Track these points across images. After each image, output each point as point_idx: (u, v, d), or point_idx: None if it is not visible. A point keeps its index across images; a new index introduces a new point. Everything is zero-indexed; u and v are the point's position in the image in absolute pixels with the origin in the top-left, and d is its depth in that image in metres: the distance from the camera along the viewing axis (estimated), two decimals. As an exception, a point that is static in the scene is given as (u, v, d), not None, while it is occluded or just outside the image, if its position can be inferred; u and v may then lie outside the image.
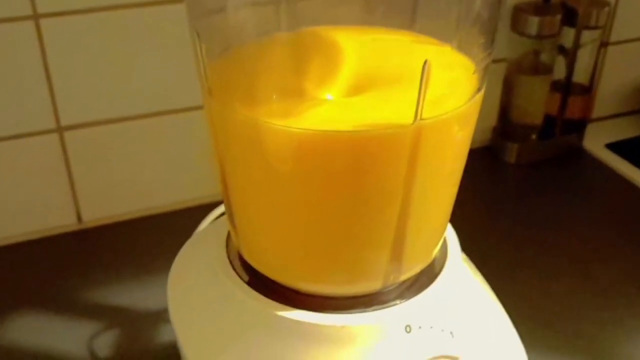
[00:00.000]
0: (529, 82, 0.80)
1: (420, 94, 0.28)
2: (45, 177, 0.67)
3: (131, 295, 0.62)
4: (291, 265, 0.35)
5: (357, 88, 0.32)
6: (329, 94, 0.31)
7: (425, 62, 0.28)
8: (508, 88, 0.81)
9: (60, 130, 0.65)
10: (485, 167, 0.83)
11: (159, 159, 0.70)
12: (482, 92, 0.33)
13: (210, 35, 0.33)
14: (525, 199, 0.77)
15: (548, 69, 0.79)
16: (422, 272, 0.37)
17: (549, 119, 0.82)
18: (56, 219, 0.70)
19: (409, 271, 0.35)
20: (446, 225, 0.37)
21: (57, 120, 0.65)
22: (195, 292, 0.38)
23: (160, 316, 0.59)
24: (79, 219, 0.70)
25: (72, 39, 0.61)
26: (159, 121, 0.68)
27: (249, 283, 0.36)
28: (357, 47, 0.34)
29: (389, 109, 0.30)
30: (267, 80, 0.33)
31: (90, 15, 0.61)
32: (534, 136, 0.82)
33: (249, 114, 0.30)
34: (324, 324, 0.33)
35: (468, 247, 0.41)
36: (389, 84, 0.31)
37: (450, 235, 0.39)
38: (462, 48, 0.34)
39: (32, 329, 0.58)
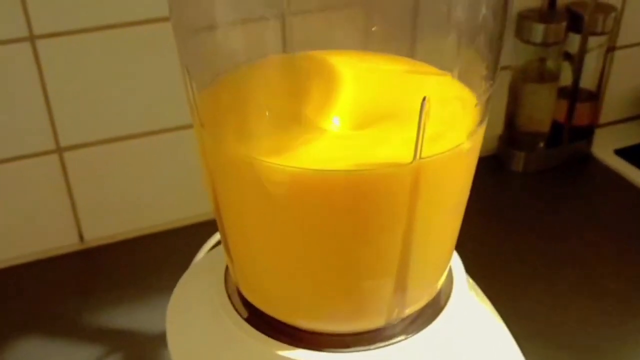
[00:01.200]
0: (535, 89, 0.78)
1: (419, 131, 0.27)
2: (47, 197, 0.67)
3: (133, 316, 0.61)
4: (290, 302, 0.34)
5: (354, 122, 0.31)
6: (325, 128, 0.30)
7: (423, 100, 0.27)
8: (514, 96, 0.80)
9: (59, 150, 0.65)
10: (492, 176, 0.82)
11: (159, 177, 0.69)
12: (484, 125, 0.32)
13: (199, 60, 0.32)
14: (533, 208, 0.76)
15: (554, 76, 0.78)
16: (427, 305, 0.36)
17: (556, 126, 0.81)
18: (58, 239, 0.69)
19: (413, 305, 0.34)
20: (451, 255, 0.36)
21: (57, 141, 0.64)
22: (193, 328, 0.37)
23: (163, 339, 0.59)
24: (81, 238, 0.70)
25: (69, 59, 0.61)
26: (158, 139, 0.67)
27: (248, 319, 0.35)
28: (354, 77, 0.32)
29: (386, 147, 0.29)
30: (259, 112, 0.31)
31: (87, 35, 0.60)
32: (541, 144, 0.81)
33: (241, 149, 0.29)
34: (324, 365, 0.32)
35: (474, 260, 0.40)
36: (387, 119, 0.30)
37: (456, 263, 0.38)
38: (462, 78, 0.32)
39: (33, 351, 0.58)
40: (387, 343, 0.33)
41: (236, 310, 0.36)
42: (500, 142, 0.83)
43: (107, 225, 0.70)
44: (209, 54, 0.33)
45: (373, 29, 0.33)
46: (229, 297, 0.37)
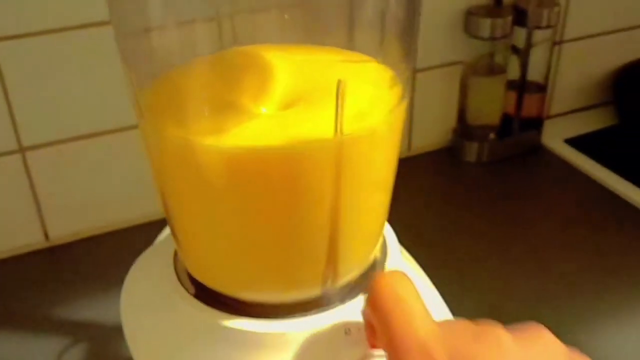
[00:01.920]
0: (484, 83, 0.81)
1: (337, 109, 0.30)
2: (11, 197, 0.68)
3: (96, 309, 0.63)
4: (231, 276, 0.36)
5: (285, 105, 0.33)
6: (257, 111, 0.33)
7: (339, 81, 0.29)
8: (465, 90, 0.82)
9: (22, 150, 0.66)
10: (447, 167, 0.85)
11: (121, 176, 0.71)
12: (405, 103, 0.34)
13: (139, 59, 0.34)
14: (487, 197, 0.80)
15: (502, 70, 0.81)
16: (364, 275, 0.38)
17: (506, 118, 0.84)
18: (23, 237, 0.71)
19: (347, 275, 0.37)
20: (382, 228, 0.39)
21: (19, 141, 0.65)
22: (145, 306, 0.40)
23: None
24: (46, 237, 0.71)
25: (30, 60, 0.63)
26: (119, 137, 0.69)
27: (196, 295, 0.37)
28: (285, 65, 0.35)
29: (312, 125, 0.32)
30: (195, 99, 0.34)
31: (46, 36, 0.62)
32: (492, 135, 0.84)
33: (178, 133, 0.32)
34: (265, 332, 0.35)
35: (430, 246, 0.42)
36: (314, 101, 0.33)
37: (390, 235, 0.41)
38: (387, 62, 0.35)
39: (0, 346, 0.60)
40: (323, 309, 0.36)
41: (185, 288, 0.38)
42: (454, 134, 0.85)
43: (71, 224, 0.72)
44: (147, 53, 0.35)
45: (286, 16, 0.36)
46: (178, 277, 0.39)
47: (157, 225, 0.59)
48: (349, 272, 0.37)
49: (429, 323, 0.29)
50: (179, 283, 0.38)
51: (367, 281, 0.37)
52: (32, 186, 0.68)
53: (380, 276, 0.31)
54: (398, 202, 0.39)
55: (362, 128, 0.32)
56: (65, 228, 0.72)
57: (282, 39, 0.38)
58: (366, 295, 0.32)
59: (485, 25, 0.77)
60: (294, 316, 0.35)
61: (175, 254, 0.40)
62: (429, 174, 0.84)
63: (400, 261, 0.39)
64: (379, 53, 0.35)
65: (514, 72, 0.82)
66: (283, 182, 0.32)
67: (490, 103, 0.83)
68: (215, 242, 0.35)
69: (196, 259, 0.37)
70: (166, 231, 0.51)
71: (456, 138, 0.85)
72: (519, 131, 0.85)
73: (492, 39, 0.78)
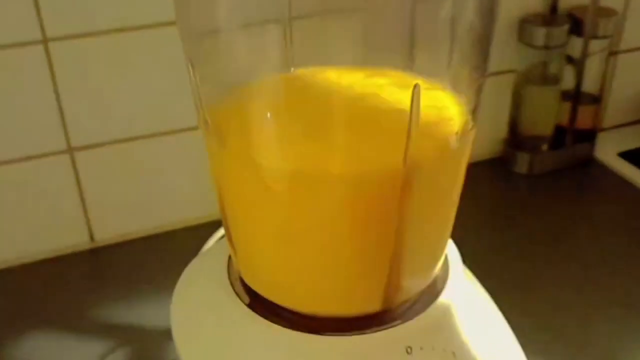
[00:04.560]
0: (537, 92, 0.79)
1: (409, 136, 0.29)
2: (58, 196, 0.68)
3: (143, 314, 0.62)
4: (289, 288, 0.35)
5: (351, 130, 0.32)
6: (323, 135, 0.32)
7: (411, 108, 0.28)
8: (517, 99, 0.81)
9: (71, 150, 0.66)
10: (497, 178, 0.83)
11: (169, 177, 0.70)
12: (474, 131, 0.33)
13: (205, 64, 0.33)
14: (537, 210, 0.77)
15: (556, 80, 0.79)
16: (424, 292, 0.37)
17: (559, 129, 0.82)
18: (69, 238, 0.70)
19: (408, 292, 0.35)
20: (445, 245, 0.37)
21: (68, 141, 0.65)
22: (197, 314, 0.39)
23: (170, 334, 0.60)
24: (92, 238, 0.71)
25: (81, 61, 0.62)
26: (168, 140, 0.68)
27: (249, 305, 0.36)
28: (349, 89, 0.34)
29: (379, 152, 0.31)
30: (262, 120, 0.33)
31: (99, 37, 0.62)
32: (544, 147, 0.82)
33: (246, 153, 0.31)
34: (322, 348, 0.33)
35: (478, 260, 0.41)
36: (382, 126, 0.32)
37: (452, 252, 0.39)
38: (453, 85, 0.34)
39: (43, 349, 0.59)
40: (383, 327, 0.34)
41: (238, 296, 0.37)
42: (505, 145, 0.84)
43: (118, 225, 0.71)
44: (212, 58, 0.35)
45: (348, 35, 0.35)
46: (232, 284, 0.38)
47: (206, 229, 0.59)
48: (412, 289, 0.35)
49: None
50: (232, 291, 0.37)
51: (429, 298, 0.36)
52: (79, 187, 0.68)
53: None
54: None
55: (431, 155, 0.31)
56: (111, 230, 0.71)
57: (345, 60, 0.37)
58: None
59: (540, 34, 0.75)
60: (353, 333, 0.34)
61: (229, 260, 0.39)
62: (478, 185, 0.81)
63: (462, 279, 0.38)
64: (446, 72, 0.34)
65: (567, 82, 0.80)
66: (347, 206, 0.31)
67: (543, 113, 0.80)
68: (275, 255, 0.34)
69: (253, 269, 0.36)
70: (217, 234, 0.50)
71: (507, 148, 0.83)
72: (572, 143, 0.82)
73: (547, 48, 0.76)
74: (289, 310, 0.35)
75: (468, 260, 0.41)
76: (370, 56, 0.37)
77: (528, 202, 0.79)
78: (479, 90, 0.33)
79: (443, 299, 0.36)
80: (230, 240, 0.37)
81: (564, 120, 0.82)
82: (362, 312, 0.35)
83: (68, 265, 0.69)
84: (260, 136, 0.33)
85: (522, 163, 0.82)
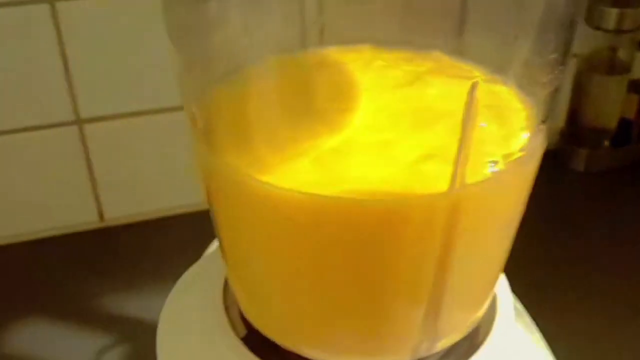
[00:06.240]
0: (603, 81, 0.72)
1: (460, 154, 0.21)
2: (65, 170, 0.63)
3: (148, 303, 0.57)
4: (296, 329, 0.28)
5: (375, 132, 0.25)
6: (341, 146, 0.24)
7: (466, 112, 0.20)
8: (579, 87, 0.73)
9: (79, 122, 0.61)
10: (549, 175, 0.75)
11: (183, 157, 0.65)
12: (543, 145, 0.25)
13: (194, 58, 0.26)
14: (594, 212, 0.70)
15: (625, 68, 0.71)
16: (463, 340, 0.30)
17: (624, 123, 0.74)
18: (78, 215, 0.66)
19: (446, 339, 0.28)
20: (496, 281, 0.30)
21: (77, 112, 0.60)
22: (185, 340, 0.32)
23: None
24: (101, 217, 0.66)
25: (91, 27, 0.57)
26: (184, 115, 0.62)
27: (245, 339, 0.30)
28: (381, 78, 0.27)
29: (419, 169, 0.23)
30: (266, 122, 0.26)
31: (111, 3, 0.56)
32: (606, 142, 0.75)
33: (241, 167, 0.24)
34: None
35: (522, 273, 0.34)
36: (417, 132, 0.24)
37: (502, 288, 0.32)
38: (519, 81, 0.26)
39: (41, 331, 0.56)
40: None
41: (233, 327, 0.30)
42: (561, 137, 0.76)
43: (129, 205, 0.67)
44: (202, 30, 0.27)
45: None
46: (227, 309, 0.31)
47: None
48: (450, 335, 0.28)
49: None
50: (226, 319, 0.31)
51: (468, 349, 0.29)
52: (88, 161, 0.63)
53: None
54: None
55: (486, 177, 0.23)
56: (122, 209, 0.67)
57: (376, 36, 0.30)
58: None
59: (611, 16, 0.67)
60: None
61: (227, 280, 0.33)
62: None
63: (512, 323, 0.30)
64: (509, 70, 0.26)
65: (637, 71, 0.72)
66: (374, 238, 0.23)
67: (608, 105, 0.73)
68: (278, 290, 0.27)
69: (251, 299, 0.30)
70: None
71: (563, 142, 0.75)
72: (638, 139, 0.74)
73: (618, 31, 0.68)
74: (292, 353, 0.29)
75: (509, 272, 0.34)
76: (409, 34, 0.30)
77: (584, 204, 0.72)
78: (554, 93, 0.26)
79: (487, 349, 0.29)
80: (224, 257, 0.30)
81: (631, 113, 0.74)
82: (386, 363, 0.28)
83: (76, 243, 0.65)
84: (264, 145, 0.25)
85: (580, 159, 0.75)
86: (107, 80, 0.59)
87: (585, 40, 0.71)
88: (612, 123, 0.74)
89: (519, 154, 0.24)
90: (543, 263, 0.62)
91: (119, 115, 0.61)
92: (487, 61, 0.28)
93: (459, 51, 0.29)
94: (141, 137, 0.63)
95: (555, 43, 0.25)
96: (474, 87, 0.20)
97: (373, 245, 0.24)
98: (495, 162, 0.23)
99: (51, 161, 0.62)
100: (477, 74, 0.28)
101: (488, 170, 0.23)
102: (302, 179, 0.23)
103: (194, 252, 0.44)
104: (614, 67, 0.72)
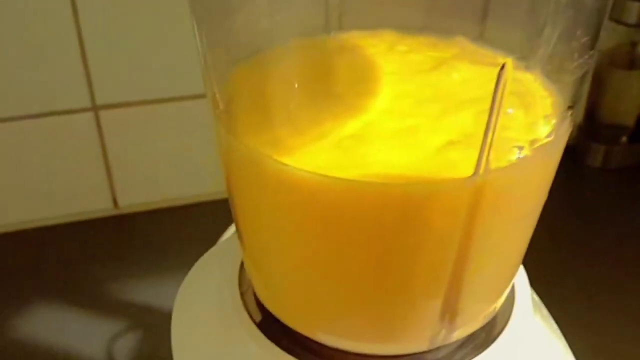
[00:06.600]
0: (622, 76, 0.71)
1: (486, 139, 0.21)
2: (80, 157, 0.63)
3: (162, 289, 0.57)
4: (313, 314, 0.28)
5: (398, 117, 0.24)
6: (364, 134, 0.24)
7: (495, 99, 0.20)
8: (598, 82, 0.72)
9: (95, 109, 0.60)
10: (565, 170, 0.73)
11: (199, 145, 0.64)
12: (568, 133, 0.25)
13: (217, 29, 0.26)
14: (611, 209, 0.69)
15: (646, 63, 0.70)
16: (480, 330, 0.29)
17: (643, 120, 0.73)
18: (91, 202, 0.66)
19: (463, 329, 0.28)
20: (516, 272, 0.30)
21: (93, 98, 0.60)
22: (200, 326, 0.32)
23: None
24: (115, 203, 0.66)
25: (109, 14, 0.57)
26: (201, 103, 0.62)
27: (260, 325, 0.29)
28: (403, 67, 0.26)
29: (443, 153, 0.23)
30: (286, 104, 0.25)
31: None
32: (624, 138, 0.73)
33: (263, 149, 0.23)
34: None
35: (540, 269, 0.34)
36: (442, 118, 0.24)
37: (520, 280, 0.31)
38: (546, 72, 0.26)
39: (54, 320, 0.55)
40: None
41: (248, 311, 0.30)
42: (579, 132, 0.75)
43: (143, 192, 0.66)
44: (226, 12, 0.27)
45: None
46: (242, 295, 0.31)
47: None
48: (468, 324, 0.28)
49: None
50: (242, 305, 0.31)
51: (485, 339, 0.29)
52: (103, 148, 0.62)
53: None
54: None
55: (510, 162, 0.22)
56: (136, 196, 0.66)
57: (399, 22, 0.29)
58: None
59: (633, 10, 0.66)
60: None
61: (242, 265, 0.33)
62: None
63: (529, 314, 0.30)
64: (532, 57, 0.26)
65: (658, 66, 0.71)
66: (397, 223, 0.23)
67: (627, 101, 0.72)
68: (295, 275, 0.27)
69: (267, 284, 0.29)
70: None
71: (581, 137, 0.74)
72: (656, 136, 0.74)
73: (639, 26, 0.67)
74: (308, 339, 0.28)
75: (527, 270, 0.33)
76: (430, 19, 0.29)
77: (600, 200, 0.71)
78: (581, 81, 0.25)
79: (504, 339, 0.29)
80: (242, 243, 0.30)
81: (650, 110, 0.72)
82: (402, 351, 0.28)
83: (89, 230, 0.65)
84: (285, 126, 0.25)
85: (597, 155, 0.74)
86: (123, 67, 0.59)
87: (605, 35, 0.70)
88: (630, 119, 0.73)
89: (546, 140, 0.24)
90: (559, 258, 0.62)
91: (135, 103, 0.61)
92: (510, 47, 0.28)
93: (482, 37, 0.29)
94: (156, 124, 0.62)
95: (585, 27, 0.25)
96: (503, 68, 0.20)
97: (394, 231, 0.23)
98: (522, 148, 0.23)
99: (66, 148, 0.62)
100: (501, 60, 0.27)
101: (514, 155, 0.23)
102: (322, 162, 0.23)
103: (208, 239, 0.44)
104: (634, 62, 0.71)
